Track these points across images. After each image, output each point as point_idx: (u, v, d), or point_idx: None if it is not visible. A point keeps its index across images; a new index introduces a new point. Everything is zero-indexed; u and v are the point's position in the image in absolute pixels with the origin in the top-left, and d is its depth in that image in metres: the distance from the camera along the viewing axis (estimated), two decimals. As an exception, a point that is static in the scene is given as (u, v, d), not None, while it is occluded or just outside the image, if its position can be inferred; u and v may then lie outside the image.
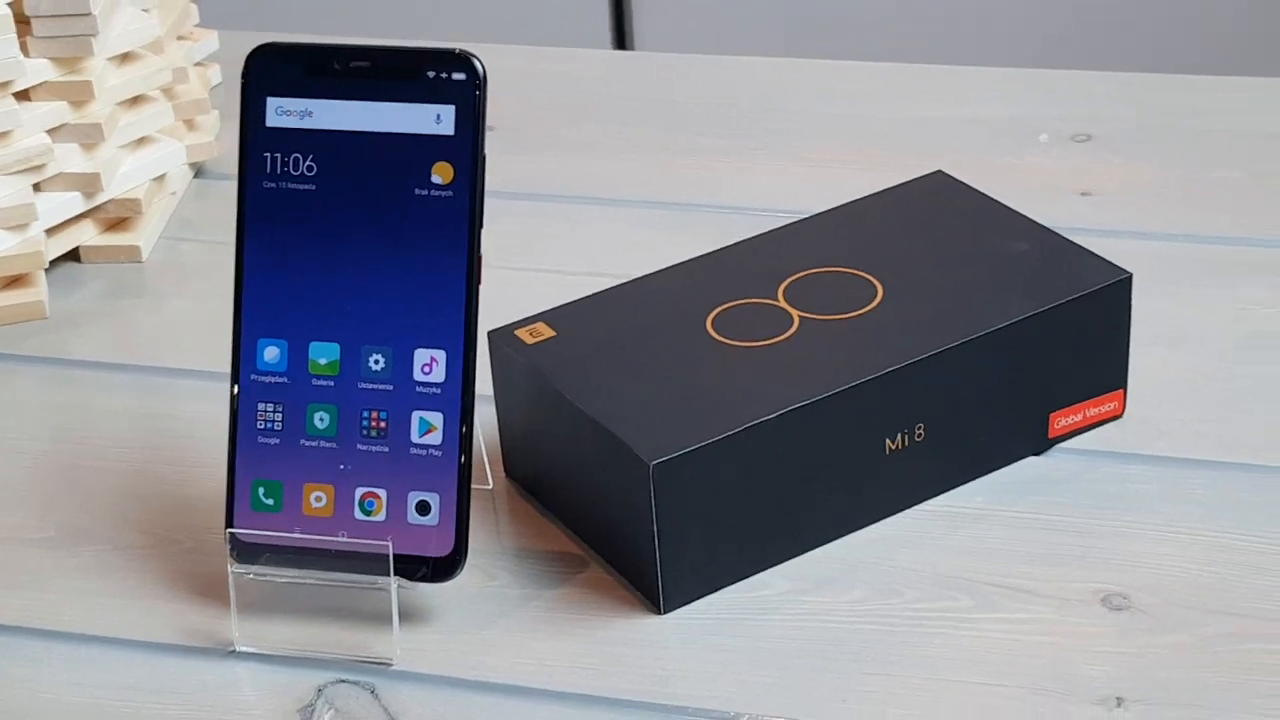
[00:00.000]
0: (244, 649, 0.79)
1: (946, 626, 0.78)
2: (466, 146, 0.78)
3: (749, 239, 0.91)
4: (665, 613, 0.80)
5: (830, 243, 0.89)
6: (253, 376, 0.80)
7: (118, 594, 0.83)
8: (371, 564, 0.78)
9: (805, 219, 0.92)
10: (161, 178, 1.10)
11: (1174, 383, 0.91)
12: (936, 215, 0.91)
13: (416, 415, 0.79)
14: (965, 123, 1.16)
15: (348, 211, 0.79)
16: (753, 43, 2.11)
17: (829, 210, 0.93)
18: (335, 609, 0.80)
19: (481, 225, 0.78)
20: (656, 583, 0.79)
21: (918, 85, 1.21)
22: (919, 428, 0.83)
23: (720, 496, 0.79)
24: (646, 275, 0.89)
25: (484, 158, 0.78)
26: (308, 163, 0.79)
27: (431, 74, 0.78)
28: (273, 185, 0.80)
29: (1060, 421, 0.87)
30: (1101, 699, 0.74)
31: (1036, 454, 0.87)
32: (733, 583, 0.81)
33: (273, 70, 0.79)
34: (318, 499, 0.79)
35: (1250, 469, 0.85)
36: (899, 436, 0.82)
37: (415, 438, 0.79)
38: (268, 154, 0.79)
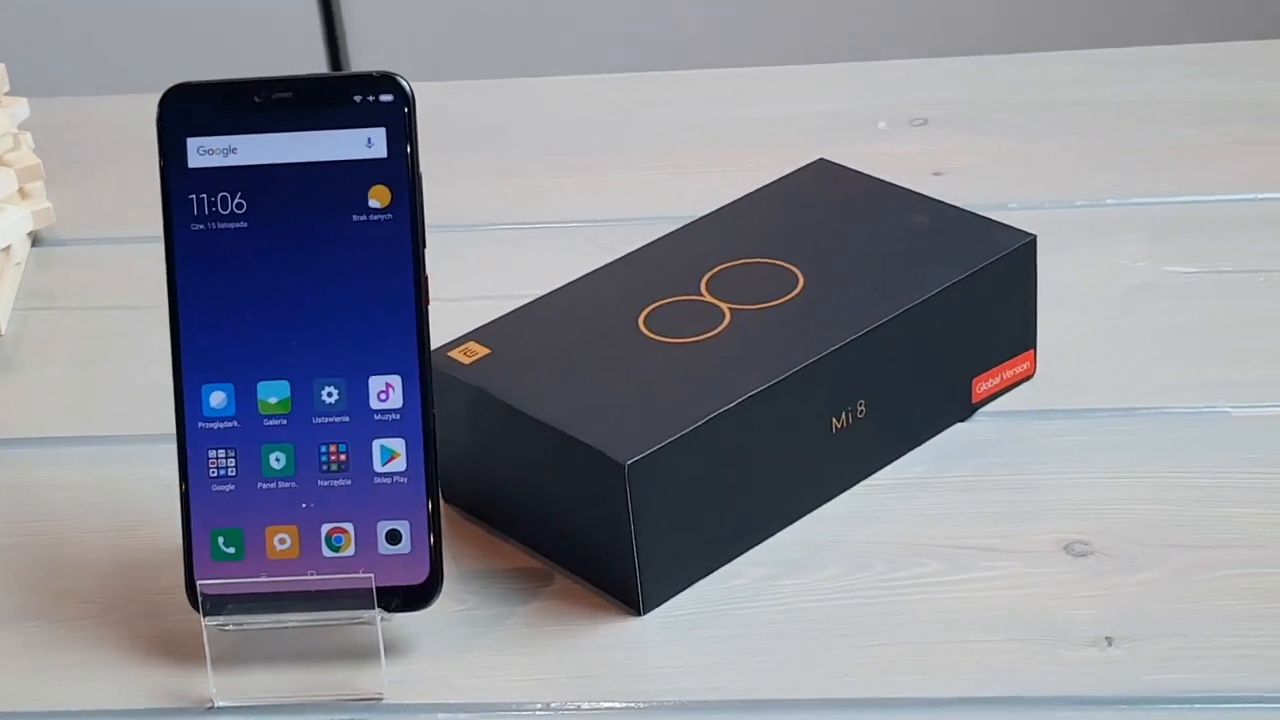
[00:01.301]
0: (224, 703, 0.77)
1: (924, 592, 0.79)
2: (401, 167, 0.77)
3: (655, 241, 0.91)
4: (645, 613, 0.79)
5: (738, 236, 0.90)
6: (200, 425, 0.78)
7: (76, 666, 0.80)
8: (350, 600, 0.76)
9: (704, 217, 0.93)
10: (8, 249, 1.07)
11: (1071, 340, 0.93)
12: (831, 200, 0.93)
13: (377, 444, 0.77)
14: (805, 118, 1.18)
15: (284, 245, 0.78)
16: (474, 68, 2.12)
17: (724, 207, 0.94)
18: (312, 651, 0.78)
19: (424, 245, 0.77)
20: (636, 584, 0.79)
21: (741, 88, 1.23)
22: (860, 404, 0.84)
23: (689, 491, 0.79)
24: (566, 284, 0.89)
25: (420, 176, 0.77)
26: (236, 200, 0.77)
27: (358, 98, 0.77)
28: (201, 227, 0.78)
29: (981, 386, 0.89)
30: (1091, 640, 0.76)
31: (962, 420, 0.89)
32: (704, 576, 0.81)
33: (190, 110, 0.78)
34: (281, 541, 0.78)
35: (1166, 412, 0.88)
36: (843, 415, 0.84)
37: (378, 467, 0.77)
38: (193, 196, 0.78)
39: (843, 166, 0.96)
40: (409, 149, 0.77)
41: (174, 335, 0.78)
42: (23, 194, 1.11)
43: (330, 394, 0.77)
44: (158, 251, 1.09)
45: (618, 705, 0.75)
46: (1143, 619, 0.77)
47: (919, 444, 0.88)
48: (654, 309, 0.86)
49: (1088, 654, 0.75)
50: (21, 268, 1.09)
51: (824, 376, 0.82)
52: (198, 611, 0.78)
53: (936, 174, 1.10)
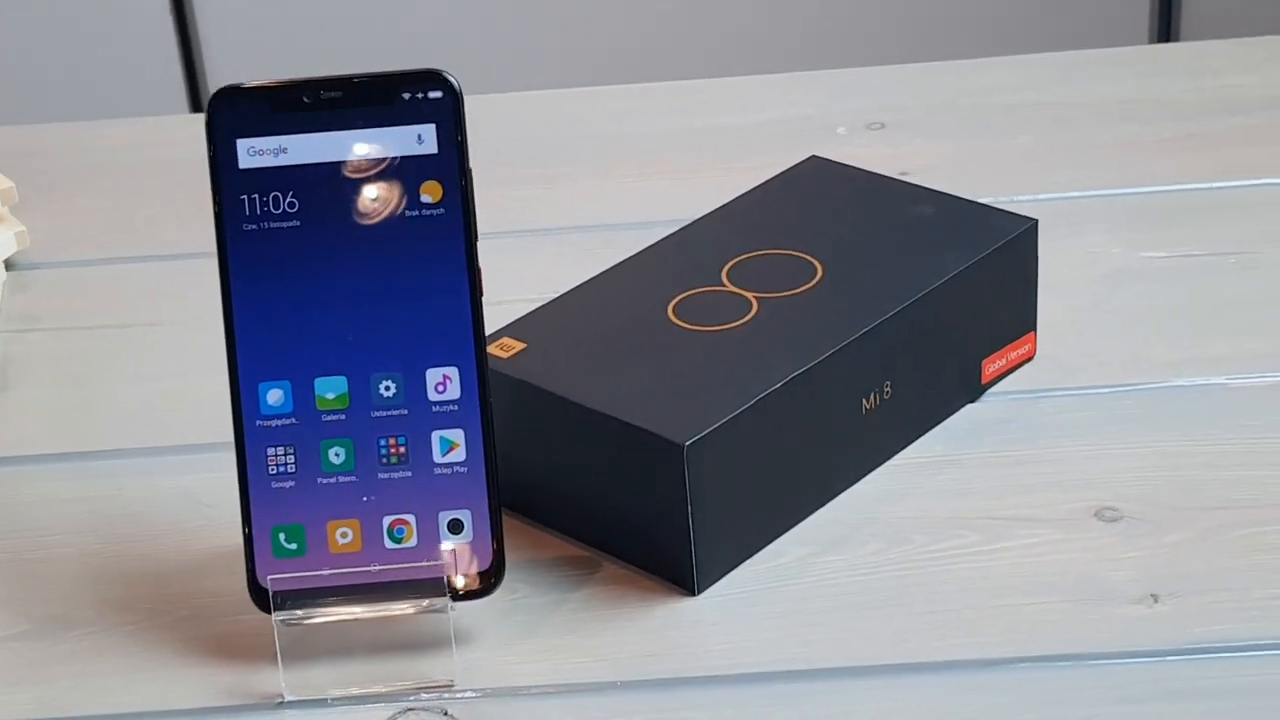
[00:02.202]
0: (294, 698, 0.77)
1: (967, 560, 0.82)
2: (453, 162, 0.78)
3: (666, 239, 0.93)
4: (699, 593, 0.81)
5: (750, 230, 0.93)
6: (258, 423, 0.79)
7: (134, 670, 0.80)
8: (417, 590, 0.77)
9: (710, 214, 0.95)
10: (-10, 270, 1.06)
11: (1062, 323, 0.97)
12: (833, 193, 0.96)
13: (436, 435, 0.79)
14: (765, 125, 1.20)
15: (337, 243, 0.79)
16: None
17: (728, 204, 0.96)
18: (377, 643, 0.79)
19: (477, 238, 0.79)
20: (690, 565, 0.80)
21: (699, 100, 1.25)
22: (887, 385, 0.87)
23: (739, 472, 0.81)
24: (588, 280, 0.90)
25: (471, 171, 0.78)
26: (289, 200, 0.78)
27: (407, 95, 0.78)
28: (253, 227, 0.78)
29: (990, 367, 0.92)
30: (1138, 598, 0.79)
31: (972, 401, 0.92)
32: (749, 556, 0.83)
33: (238, 112, 0.78)
34: (343, 535, 0.78)
35: (1165, 387, 0.92)
36: (872, 395, 0.86)
37: (438, 458, 0.78)
38: (244, 196, 0.78)
39: (836, 162, 0.99)
40: (459, 144, 0.78)
41: (229, 335, 0.79)
42: (-2, 218, 1.10)
43: (388, 388, 0.78)
44: (135, 273, 1.10)
45: (687, 677, 0.77)
46: (1183, 577, 0.80)
47: (936, 424, 0.90)
48: (681, 299, 0.87)
49: (1136, 610, 0.78)
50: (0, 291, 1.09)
51: (855, 359, 0.84)
52: (261, 609, 0.78)
53: (902, 174, 1.12)
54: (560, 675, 0.78)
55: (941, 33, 2.30)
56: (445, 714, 0.76)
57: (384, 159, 0.78)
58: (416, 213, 0.78)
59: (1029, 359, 0.94)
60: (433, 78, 0.78)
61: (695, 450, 0.78)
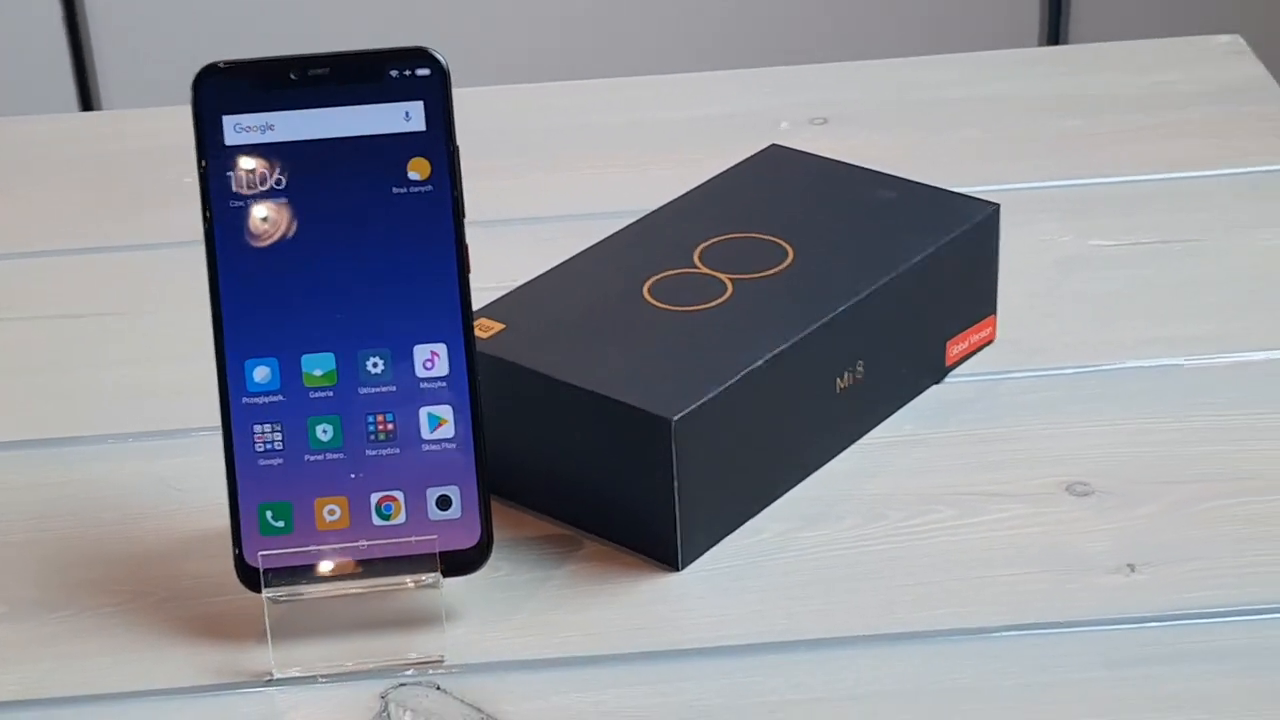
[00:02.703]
0: (283, 675, 0.77)
1: (944, 534, 0.83)
2: (440, 140, 0.79)
3: (635, 224, 0.94)
4: (683, 569, 0.82)
5: (718, 216, 0.94)
6: (244, 400, 0.78)
7: (120, 650, 0.79)
8: (407, 565, 0.78)
9: (674, 201, 0.96)
10: (-60, 261, 1.05)
11: (1018, 307, 0.98)
12: (796, 179, 0.97)
13: (424, 411, 0.79)
14: (708, 120, 1.21)
15: (325, 220, 0.79)
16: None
17: (690, 192, 0.97)
18: (366, 619, 0.79)
19: (464, 215, 0.79)
20: (675, 540, 0.81)
21: (643, 95, 1.26)
22: (859, 365, 0.88)
23: (722, 448, 0.82)
24: (562, 263, 0.91)
25: (458, 148, 0.79)
26: (275, 176, 0.78)
27: (394, 73, 0.78)
28: (240, 204, 0.78)
29: (954, 349, 0.94)
30: (1115, 568, 0.80)
31: (936, 382, 0.93)
32: (730, 533, 0.84)
33: (224, 89, 0.78)
34: (331, 512, 0.78)
35: (1125, 368, 0.94)
36: (845, 375, 0.87)
37: (426, 434, 0.79)
38: (230, 173, 0.78)
39: (797, 150, 1.00)
40: (447, 121, 0.79)
41: (215, 311, 0.78)
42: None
43: (375, 364, 0.79)
44: (89, 263, 1.09)
45: (676, 650, 0.78)
46: (1156, 547, 0.81)
47: (904, 405, 0.92)
48: (656, 280, 0.88)
49: (1114, 580, 0.80)
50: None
51: (831, 338, 0.85)
52: (249, 588, 0.78)
53: (849, 166, 1.14)
54: (549, 650, 0.78)
55: (815, 33, 2.34)
56: (437, 688, 0.76)
57: (371, 136, 0.78)
58: (404, 190, 0.79)
59: (989, 342, 0.96)
60: (421, 55, 0.78)
61: (683, 425, 0.79)
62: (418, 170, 0.79)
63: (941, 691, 0.75)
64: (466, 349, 0.79)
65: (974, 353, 0.95)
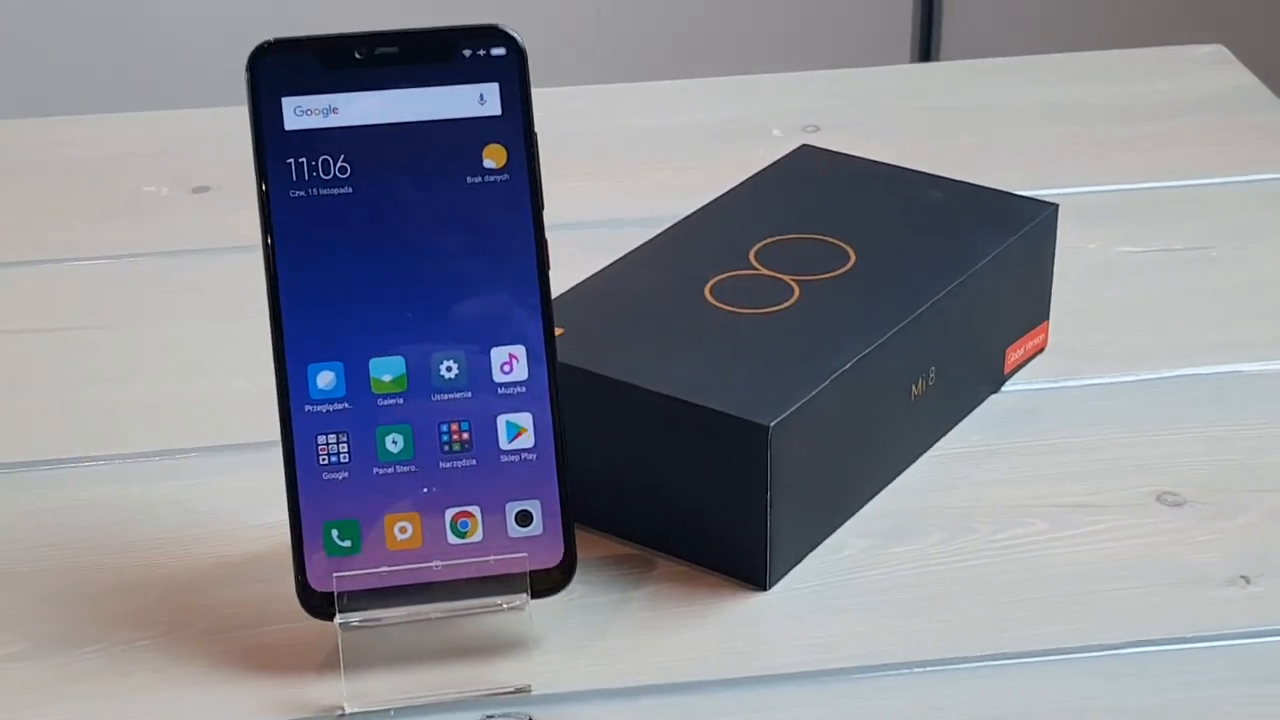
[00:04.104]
0: (356, 709, 0.70)
1: (1039, 548, 0.79)
2: (517, 125, 0.73)
3: (675, 226, 0.89)
4: (770, 588, 0.76)
5: (766, 216, 0.88)
6: (307, 408, 0.72)
7: (164, 688, 0.72)
8: (485, 587, 0.71)
9: (710, 204, 0.91)
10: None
11: (1062, 315, 0.94)
12: (838, 180, 0.92)
13: (502, 419, 0.72)
14: (701, 126, 1.16)
15: (393, 211, 0.72)
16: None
17: (724, 195, 0.92)
18: (441, 647, 0.72)
19: (543, 207, 0.73)
20: (764, 557, 0.76)
21: (635, 102, 1.21)
22: (932, 371, 0.83)
23: (811, 458, 0.76)
24: (606, 266, 0.85)
25: (536, 135, 0.73)
26: (339, 164, 0.72)
27: (467, 52, 0.72)
28: (301, 194, 0.72)
29: (1011, 356, 0.89)
30: (1228, 580, 0.76)
31: (995, 391, 0.89)
32: (811, 550, 0.78)
33: (284, 68, 0.72)
34: (402, 530, 0.72)
35: (1187, 375, 0.90)
36: (920, 381, 0.82)
37: (504, 444, 0.72)
38: (290, 160, 0.71)
39: (830, 150, 0.95)
40: (524, 105, 0.73)
41: (274, 312, 0.72)
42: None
43: (449, 368, 0.72)
44: (59, 275, 1.01)
45: (776, 675, 0.72)
46: (1266, 557, 0.78)
47: (967, 414, 0.87)
48: (717, 282, 0.83)
49: (1231, 593, 0.76)
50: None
51: (907, 343, 0.81)
52: (315, 615, 0.71)
53: (852, 174, 1.09)
54: (643, 676, 0.72)
55: (688, 48, 2.33)
56: (530, 719, 0.70)
57: (443, 120, 0.72)
58: (479, 179, 0.72)
59: (1042, 349, 0.91)
60: (496, 34, 0.72)
61: (780, 432, 0.73)
62: (493, 158, 0.72)
63: (1074, 712, 0.70)
64: (547, 351, 0.73)
65: (1029, 360, 0.90)
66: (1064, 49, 1.30)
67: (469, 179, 0.72)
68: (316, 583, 0.71)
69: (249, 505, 0.81)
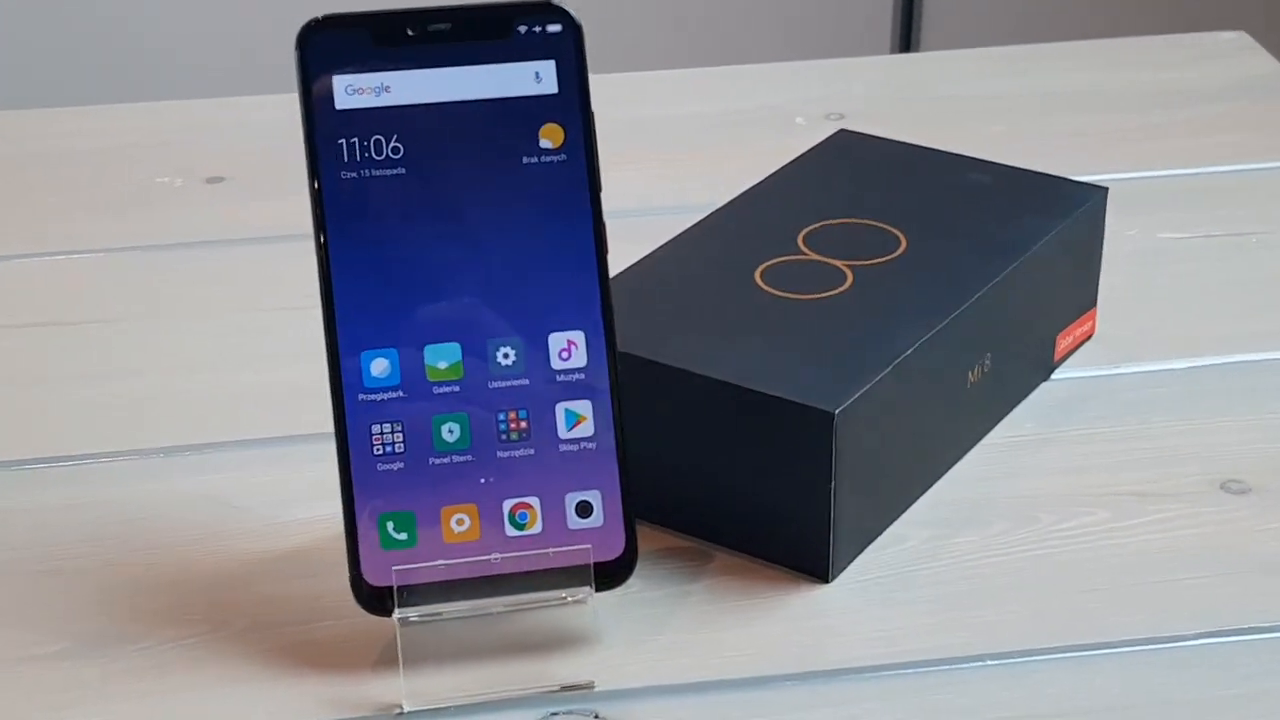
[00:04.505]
0: (415, 707, 0.68)
1: (1103, 537, 0.77)
2: (574, 103, 0.70)
3: (716, 213, 0.87)
4: (832, 580, 0.74)
5: (810, 202, 0.86)
6: (360, 397, 0.69)
7: (212, 685, 0.69)
8: (545, 580, 0.69)
9: (750, 190, 0.89)
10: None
11: (1105, 302, 0.92)
12: (879, 164, 0.90)
13: (561, 407, 0.70)
14: (723, 115, 1.14)
15: (447, 192, 0.70)
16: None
17: (768, 179, 0.90)
18: (499, 641, 0.70)
19: (601, 188, 0.71)
20: (827, 549, 0.73)
21: (654, 91, 1.19)
22: (987, 358, 0.81)
23: (874, 446, 0.74)
24: (651, 253, 0.83)
25: (593, 114, 0.71)
26: (392, 144, 0.69)
27: (523, 29, 0.70)
28: (353, 175, 0.69)
29: (1061, 343, 0.87)
30: (1302, 569, 0.74)
31: (1045, 379, 0.87)
32: (871, 541, 0.76)
33: (334, 46, 0.69)
34: (459, 522, 0.69)
35: (1237, 362, 0.89)
36: (976, 368, 0.80)
37: (563, 433, 0.70)
38: (342, 140, 0.69)
39: (868, 135, 0.93)
40: (582, 83, 0.70)
41: (326, 298, 0.69)
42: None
43: (506, 355, 0.70)
44: (70, 267, 0.98)
45: (847, 669, 0.70)
46: (1335, 546, 0.76)
47: (1019, 402, 0.85)
48: (767, 268, 0.81)
49: (1306, 582, 0.74)
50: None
51: (964, 328, 0.79)
52: (370, 610, 0.68)
53: (880, 162, 1.07)
54: (709, 671, 0.70)
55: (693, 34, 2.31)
56: (595, 717, 0.68)
57: (498, 99, 0.70)
58: (535, 159, 0.70)
59: (1089, 336, 0.89)
60: (551, 10, 0.70)
61: (845, 419, 0.71)
62: (550, 138, 0.70)
63: (1148, 705, 0.68)
64: (607, 337, 0.70)
65: (1077, 347, 0.88)
66: (1043, 40, 1.28)
67: (525, 159, 0.70)
68: (372, 577, 0.68)
69: (283, 500, 0.79)
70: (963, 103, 1.15)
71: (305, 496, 0.79)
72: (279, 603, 0.73)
